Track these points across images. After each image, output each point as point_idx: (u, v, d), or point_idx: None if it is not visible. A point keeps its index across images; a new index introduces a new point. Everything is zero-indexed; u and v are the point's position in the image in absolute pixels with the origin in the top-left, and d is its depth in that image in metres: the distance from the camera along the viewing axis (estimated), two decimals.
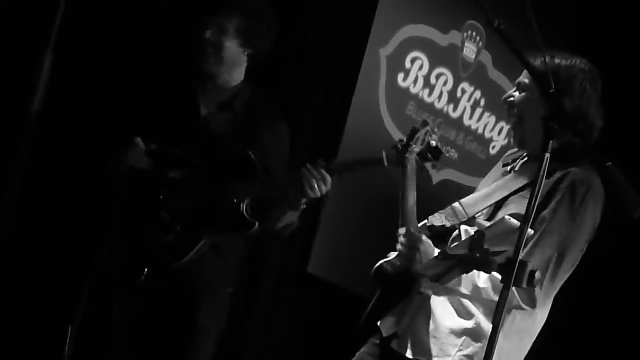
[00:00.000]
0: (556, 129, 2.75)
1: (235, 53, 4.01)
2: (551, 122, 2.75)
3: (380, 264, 3.52)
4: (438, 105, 5.70)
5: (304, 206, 3.83)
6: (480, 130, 5.95)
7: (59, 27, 4.57)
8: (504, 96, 3.49)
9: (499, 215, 3.33)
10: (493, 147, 6.02)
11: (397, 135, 5.40)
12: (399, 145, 3.56)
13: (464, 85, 5.81)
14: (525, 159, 3.48)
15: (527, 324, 3.37)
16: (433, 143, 3.55)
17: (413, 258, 3.29)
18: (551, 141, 2.74)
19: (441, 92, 5.71)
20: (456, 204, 3.47)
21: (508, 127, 6.00)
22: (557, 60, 3.34)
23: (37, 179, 4.63)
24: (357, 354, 3.52)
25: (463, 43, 5.72)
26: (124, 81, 4.69)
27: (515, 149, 3.59)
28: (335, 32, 5.18)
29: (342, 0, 5.19)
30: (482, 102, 5.92)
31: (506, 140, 6.06)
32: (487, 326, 3.28)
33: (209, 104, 4.06)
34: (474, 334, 3.31)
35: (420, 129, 3.52)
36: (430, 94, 5.66)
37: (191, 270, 3.87)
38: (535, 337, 3.42)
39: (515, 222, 2.82)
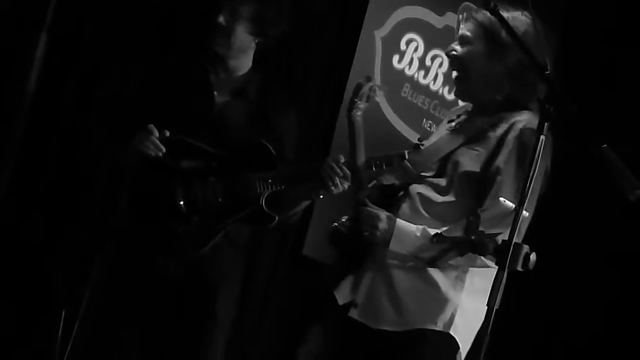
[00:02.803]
0: (552, 110, 2.74)
1: (244, 40, 3.97)
2: (547, 103, 2.75)
3: (335, 226, 3.49)
4: (433, 88, 5.68)
5: (321, 197, 3.83)
6: None
7: (54, 6, 4.55)
8: (447, 50, 3.50)
9: (448, 168, 3.34)
10: None
11: (392, 117, 5.40)
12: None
13: None
14: (470, 112, 3.49)
15: (486, 283, 3.36)
16: (377, 97, 3.56)
17: (375, 236, 3.29)
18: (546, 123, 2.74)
19: (437, 74, 5.69)
20: (405, 163, 3.46)
21: None
22: (501, 12, 3.32)
23: (32, 160, 4.62)
24: (317, 321, 3.51)
25: (459, 25, 5.70)
26: (126, 62, 4.69)
27: (459, 107, 3.59)
28: (330, 14, 5.16)
29: None
30: None
31: None
32: (447, 290, 3.30)
33: (222, 90, 4.02)
34: (435, 299, 3.31)
35: (364, 85, 3.50)
36: (425, 76, 5.64)
37: (208, 262, 3.87)
38: None
39: (510, 205, 2.83)
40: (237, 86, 4.03)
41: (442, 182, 3.34)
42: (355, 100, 3.49)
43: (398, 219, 3.28)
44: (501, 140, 3.28)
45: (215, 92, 4.01)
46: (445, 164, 3.36)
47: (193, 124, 3.92)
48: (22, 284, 4.63)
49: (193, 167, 3.87)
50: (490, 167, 3.26)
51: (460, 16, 5.67)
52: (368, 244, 3.33)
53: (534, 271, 2.82)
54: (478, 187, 3.27)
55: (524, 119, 3.30)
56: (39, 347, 4.53)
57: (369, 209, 3.31)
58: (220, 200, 3.83)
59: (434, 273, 3.29)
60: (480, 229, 2.86)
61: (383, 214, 3.29)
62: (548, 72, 2.85)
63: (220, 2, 3.96)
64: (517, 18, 3.32)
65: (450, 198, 3.31)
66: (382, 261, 3.34)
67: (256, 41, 4.01)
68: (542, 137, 2.73)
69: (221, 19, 3.93)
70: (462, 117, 3.50)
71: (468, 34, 3.42)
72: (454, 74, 3.47)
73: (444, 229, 3.19)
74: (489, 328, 2.72)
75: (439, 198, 3.32)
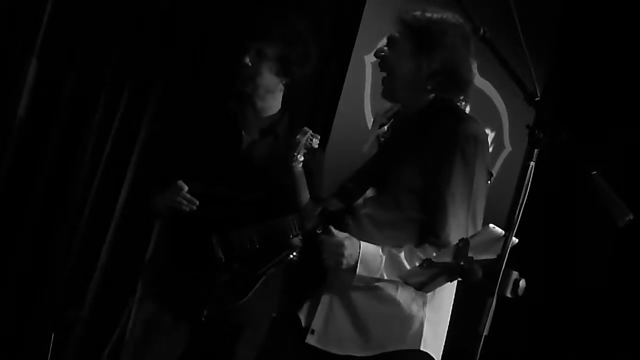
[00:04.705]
0: (541, 137, 2.74)
1: (271, 81, 3.95)
2: (537, 130, 2.75)
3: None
4: None
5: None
6: None
7: (44, 31, 4.57)
8: (376, 50, 3.43)
9: (390, 184, 3.26)
10: None
11: None
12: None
13: None
14: (400, 114, 3.44)
15: (446, 291, 3.32)
16: (316, 145, 3.65)
17: (340, 263, 3.20)
18: (536, 150, 2.74)
19: None
20: (345, 184, 3.42)
21: (493, 134, 6.04)
22: (428, 15, 3.32)
23: (21, 185, 4.62)
24: (279, 346, 3.51)
25: None
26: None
27: (388, 108, 3.53)
28: (321, 40, 5.18)
29: (328, 8, 5.19)
30: (468, 109, 5.90)
31: (491, 148, 6.06)
32: (409, 306, 3.25)
33: (250, 130, 3.99)
34: (399, 317, 3.25)
35: (302, 138, 3.59)
36: None
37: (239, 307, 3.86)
38: (452, 299, 3.39)
39: (500, 231, 2.82)
40: (265, 126, 4.01)
41: (387, 199, 3.27)
42: (295, 154, 3.58)
43: (362, 243, 3.21)
44: (439, 149, 3.22)
45: (242, 132, 3.98)
46: (386, 179, 3.29)
47: (221, 164, 3.90)
48: (12, 307, 4.64)
49: (228, 215, 3.84)
50: (433, 181, 3.20)
51: None
52: (330, 270, 3.27)
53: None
54: (424, 202, 3.22)
55: (459, 125, 3.26)
56: None
57: (329, 237, 3.24)
58: (257, 246, 3.81)
59: (393, 291, 3.24)
60: (470, 255, 2.86)
61: (346, 241, 3.20)
62: (538, 98, 2.85)
63: (246, 43, 3.93)
64: (447, 20, 3.32)
65: (397, 215, 3.26)
66: (338, 284, 3.28)
67: (283, 82, 3.99)
68: (532, 163, 2.73)
69: (247, 59, 3.90)
70: (393, 121, 3.45)
71: (395, 34, 3.37)
72: (382, 74, 3.41)
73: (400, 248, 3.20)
74: (478, 352, 2.71)
75: (386, 216, 3.26)
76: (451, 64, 3.30)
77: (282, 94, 4.04)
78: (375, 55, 3.44)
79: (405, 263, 3.19)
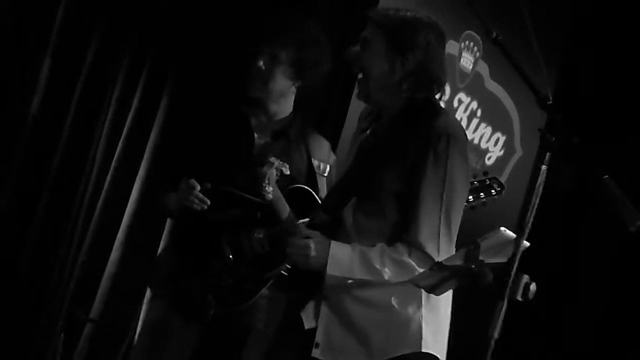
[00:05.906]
0: (553, 140, 2.73)
1: (284, 84, 3.93)
2: (548, 133, 2.74)
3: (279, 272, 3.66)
4: None
5: None
6: (476, 141, 5.95)
7: (57, 30, 4.58)
8: (346, 52, 3.41)
9: (374, 189, 3.25)
10: (489, 158, 6.02)
11: None
12: None
13: (461, 95, 5.81)
14: (379, 116, 3.42)
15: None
16: (287, 172, 3.68)
17: (308, 263, 3.23)
18: (547, 154, 2.74)
19: None
20: (330, 193, 3.46)
21: (504, 138, 6.04)
22: (401, 14, 3.30)
23: (33, 183, 4.63)
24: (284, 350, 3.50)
25: (460, 53, 5.72)
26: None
27: (368, 110, 3.52)
28: (332, 41, 5.17)
29: (339, 12, 5.19)
30: (479, 113, 5.91)
31: (502, 152, 6.06)
32: (405, 309, 3.24)
33: (263, 132, 3.97)
34: (397, 321, 3.25)
35: (267, 171, 3.60)
36: None
37: (246, 309, 3.84)
38: (451, 300, 3.36)
39: (511, 234, 2.81)
40: (277, 129, 3.98)
41: (372, 206, 3.27)
42: (264, 185, 3.59)
43: (332, 242, 3.22)
44: (415, 151, 3.19)
45: (255, 135, 3.96)
46: (370, 185, 3.27)
47: (233, 165, 3.88)
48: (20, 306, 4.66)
49: (238, 217, 3.81)
50: (408, 182, 3.19)
51: (463, 44, 5.71)
52: (308, 272, 3.27)
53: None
54: (403, 205, 3.21)
55: (432, 123, 3.21)
56: None
57: (295, 239, 3.27)
58: (266, 250, 3.78)
59: (387, 295, 3.23)
60: (481, 258, 2.85)
61: (312, 242, 3.22)
62: (550, 101, 2.85)
63: (260, 47, 3.90)
64: (420, 20, 3.30)
65: (382, 221, 3.25)
66: (335, 295, 3.28)
67: (296, 85, 3.97)
68: (544, 167, 2.72)
69: (260, 63, 3.88)
70: (374, 125, 3.43)
71: (368, 35, 3.35)
72: (358, 76, 3.39)
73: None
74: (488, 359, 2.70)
75: (372, 224, 3.26)
76: (426, 65, 3.28)
77: (293, 96, 4.03)
78: (347, 56, 3.42)
79: (374, 262, 3.18)
